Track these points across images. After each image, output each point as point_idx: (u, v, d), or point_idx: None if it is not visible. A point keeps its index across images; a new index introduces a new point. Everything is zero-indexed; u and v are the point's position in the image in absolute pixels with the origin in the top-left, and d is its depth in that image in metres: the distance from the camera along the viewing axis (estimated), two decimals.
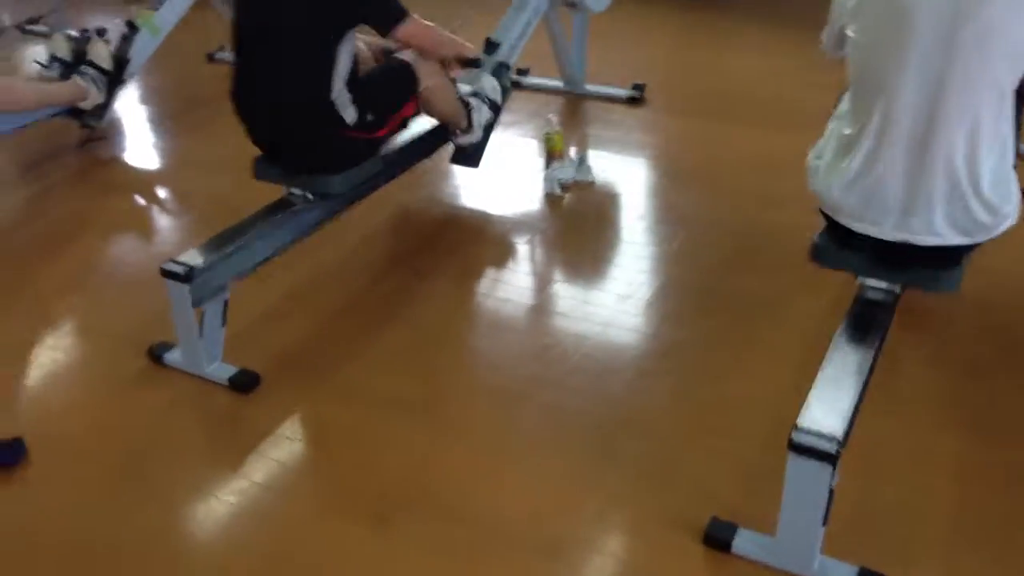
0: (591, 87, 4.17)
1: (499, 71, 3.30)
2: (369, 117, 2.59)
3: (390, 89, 2.73)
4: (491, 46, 3.42)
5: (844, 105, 2.05)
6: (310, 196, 2.68)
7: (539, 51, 3.92)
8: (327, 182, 2.62)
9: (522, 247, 3.07)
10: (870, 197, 1.93)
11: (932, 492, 1.99)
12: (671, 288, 2.79)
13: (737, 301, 2.68)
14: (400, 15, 2.58)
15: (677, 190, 3.40)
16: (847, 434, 1.71)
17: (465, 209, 3.38)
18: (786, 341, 2.48)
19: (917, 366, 2.38)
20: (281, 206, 2.64)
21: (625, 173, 3.56)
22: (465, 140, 3.15)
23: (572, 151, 3.59)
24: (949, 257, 1.97)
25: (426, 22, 2.68)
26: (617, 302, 2.71)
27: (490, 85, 3.22)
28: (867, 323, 1.97)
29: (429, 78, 2.76)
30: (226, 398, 2.35)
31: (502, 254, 3.04)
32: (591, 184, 3.39)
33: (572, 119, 3.92)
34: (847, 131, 1.97)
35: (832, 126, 2.08)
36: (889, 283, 2.09)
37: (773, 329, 2.54)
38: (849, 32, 1.91)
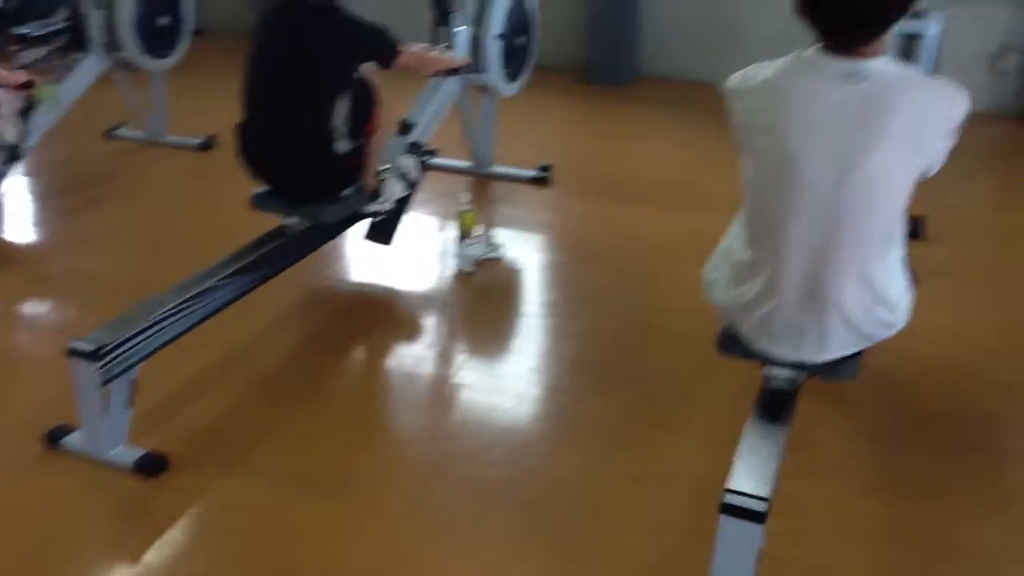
0: (499, 168, 4.26)
1: (415, 149, 3.36)
2: (354, 143, 2.84)
3: (361, 108, 2.87)
4: (405, 128, 3.47)
5: (737, 226, 2.05)
6: (306, 223, 2.91)
7: (447, 133, 4.00)
8: (323, 211, 2.88)
9: (433, 323, 3.09)
10: (766, 324, 1.94)
11: (848, 553, 2.05)
12: (581, 363, 2.83)
13: (646, 377, 2.74)
14: (396, 48, 2.89)
15: (583, 268, 3.47)
16: (771, 497, 1.77)
17: (377, 287, 3.37)
18: (694, 416, 2.54)
19: (830, 437, 2.47)
20: (193, 283, 2.57)
21: (533, 251, 3.64)
22: (374, 207, 3.15)
23: (482, 229, 3.65)
24: (844, 361, 1.98)
25: (415, 47, 3.04)
26: (529, 375, 2.73)
27: (406, 162, 3.26)
28: (777, 402, 2.03)
29: (373, 77, 2.97)
30: (131, 483, 2.24)
31: (414, 330, 3.05)
32: (500, 261, 3.44)
33: (481, 198, 3.99)
34: (742, 257, 1.98)
35: (724, 244, 2.10)
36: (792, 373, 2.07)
37: (682, 405, 2.59)
38: (743, 139, 1.92)
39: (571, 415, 2.57)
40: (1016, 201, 4.25)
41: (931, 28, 3.46)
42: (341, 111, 2.79)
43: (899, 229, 1.90)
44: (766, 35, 5.50)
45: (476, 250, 3.41)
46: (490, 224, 3.74)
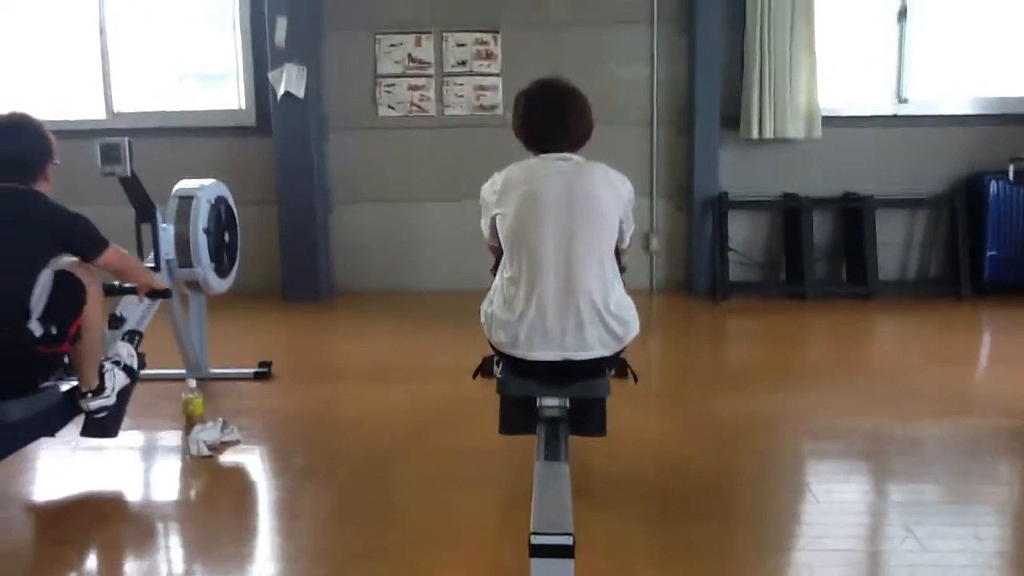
0: (217, 370, 4.15)
1: (132, 337, 3.21)
2: (53, 331, 2.70)
3: (64, 299, 2.76)
4: (116, 320, 3.33)
5: (501, 267, 2.68)
6: None
7: (156, 343, 3.87)
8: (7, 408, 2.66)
9: (171, 519, 2.81)
10: (535, 329, 2.45)
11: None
12: (344, 512, 2.79)
13: (411, 509, 2.76)
14: (103, 244, 2.89)
15: (324, 435, 3.45)
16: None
17: (101, 487, 3.05)
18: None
19: (601, 524, 2.63)
20: None
21: (268, 430, 3.54)
22: (98, 403, 2.96)
23: (215, 419, 3.50)
24: (599, 369, 2.59)
25: (123, 250, 3.03)
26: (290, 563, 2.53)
27: (126, 351, 3.12)
28: (555, 436, 2.20)
29: (91, 284, 2.87)
30: None
31: (147, 530, 2.74)
32: (238, 442, 3.30)
33: (205, 393, 3.83)
34: (508, 285, 2.54)
35: (496, 282, 2.70)
36: (560, 398, 2.50)
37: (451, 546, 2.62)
38: (498, 212, 2.62)
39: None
40: (682, 348, 4.93)
41: None
42: (39, 294, 2.72)
43: (613, 259, 2.64)
44: (447, 237, 6.10)
45: (210, 434, 3.25)
46: (222, 414, 3.59)
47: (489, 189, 2.70)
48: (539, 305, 2.50)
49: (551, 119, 2.68)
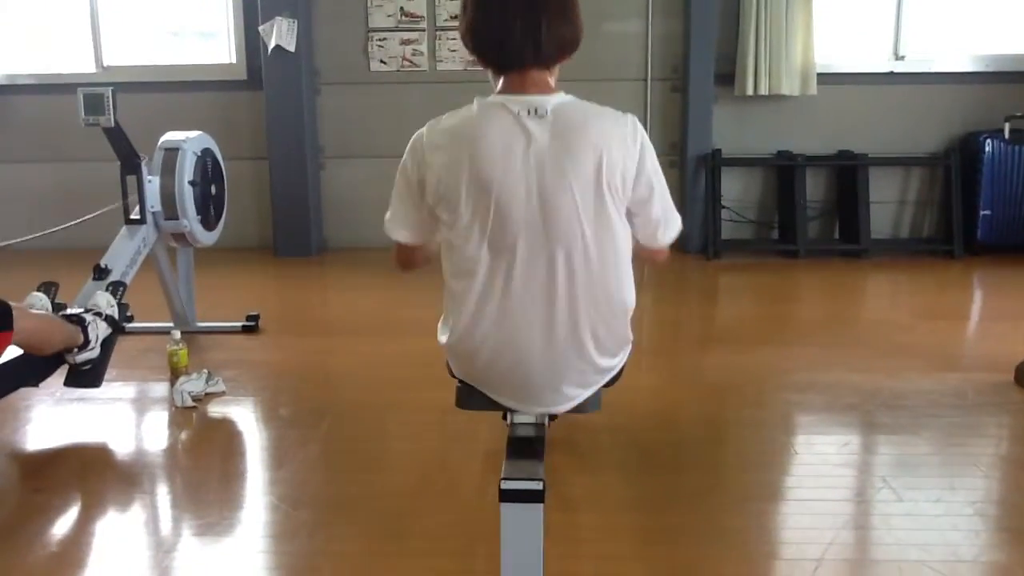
0: (204, 324, 4.15)
1: (116, 288, 3.21)
2: None
3: None
4: (101, 272, 3.32)
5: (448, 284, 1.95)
6: None
7: (143, 298, 3.86)
8: None
9: (154, 467, 2.81)
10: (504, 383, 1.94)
11: (622, 560, 2.19)
12: (327, 462, 2.80)
13: (394, 460, 2.78)
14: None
15: (310, 387, 3.46)
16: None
17: (84, 437, 3.07)
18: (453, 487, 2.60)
19: (582, 475, 2.65)
20: None
21: (255, 381, 3.54)
22: (83, 357, 2.96)
23: (200, 370, 3.50)
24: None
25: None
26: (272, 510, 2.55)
27: (105, 301, 3.11)
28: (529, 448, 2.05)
29: (21, 319, 2.57)
30: None
31: (130, 478, 2.73)
32: (223, 394, 3.31)
33: (192, 346, 3.83)
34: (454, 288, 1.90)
35: (445, 300, 1.97)
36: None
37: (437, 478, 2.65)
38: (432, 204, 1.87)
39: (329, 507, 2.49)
40: (673, 304, 4.92)
41: None
42: None
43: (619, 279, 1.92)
44: None
45: (195, 386, 3.26)
46: (207, 367, 3.60)
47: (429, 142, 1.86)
48: (515, 319, 1.86)
49: (517, 16, 1.81)
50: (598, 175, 1.80)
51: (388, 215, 2.00)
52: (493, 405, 2.03)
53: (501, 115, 1.83)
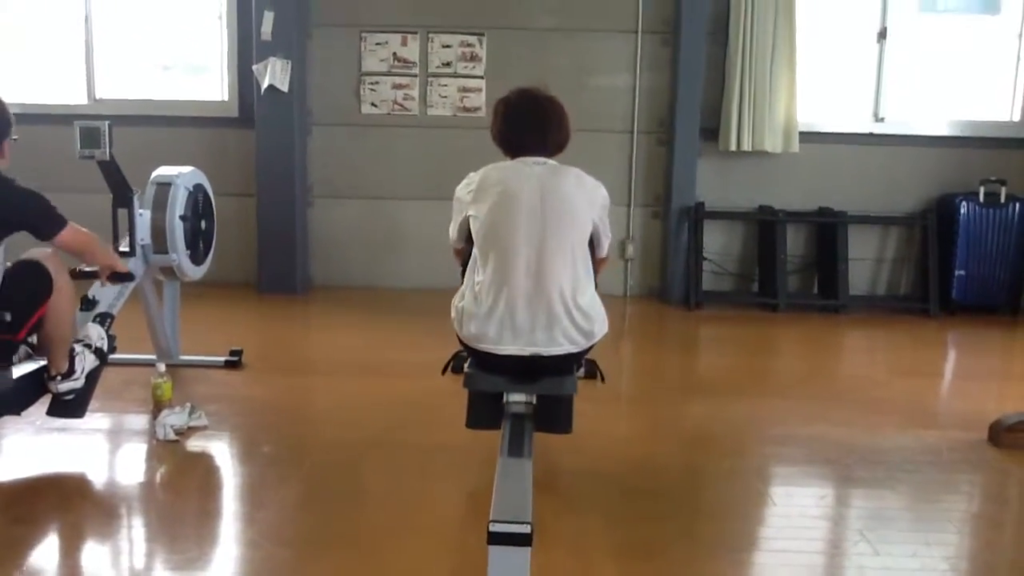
0: (188, 357, 4.15)
1: (103, 319, 3.22)
2: (7, 318, 2.61)
3: (26, 289, 2.69)
4: (88, 303, 3.33)
5: (473, 265, 2.71)
6: None
7: (127, 329, 3.86)
8: None
9: (134, 501, 2.81)
10: (504, 324, 2.50)
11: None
12: (309, 500, 2.80)
13: (377, 499, 2.78)
14: (60, 222, 2.78)
15: (293, 424, 3.47)
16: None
17: (65, 467, 3.05)
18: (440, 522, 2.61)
19: (568, 516, 2.67)
20: None
21: (237, 417, 3.54)
22: (67, 386, 2.96)
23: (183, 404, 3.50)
24: (566, 366, 2.64)
25: (83, 230, 2.88)
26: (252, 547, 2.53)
27: (96, 333, 3.12)
28: (519, 432, 2.23)
29: (60, 275, 2.79)
30: None
31: (110, 511, 2.73)
32: (205, 428, 3.31)
33: (175, 379, 3.83)
34: (479, 279, 2.62)
35: (467, 280, 2.73)
36: (527, 395, 2.52)
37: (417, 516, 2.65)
38: (471, 214, 2.69)
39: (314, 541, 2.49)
40: (653, 353, 4.97)
41: None
42: None
43: (585, 258, 2.68)
44: (426, 236, 6.12)
45: (178, 419, 3.25)
46: (190, 400, 3.60)
47: (464, 189, 2.77)
48: (509, 300, 2.55)
49: (530, 127, 2.76)
50: (578, 189, 2.73)
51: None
52: (498, 414, 2.62)
53: (516, 164, 2.76)
